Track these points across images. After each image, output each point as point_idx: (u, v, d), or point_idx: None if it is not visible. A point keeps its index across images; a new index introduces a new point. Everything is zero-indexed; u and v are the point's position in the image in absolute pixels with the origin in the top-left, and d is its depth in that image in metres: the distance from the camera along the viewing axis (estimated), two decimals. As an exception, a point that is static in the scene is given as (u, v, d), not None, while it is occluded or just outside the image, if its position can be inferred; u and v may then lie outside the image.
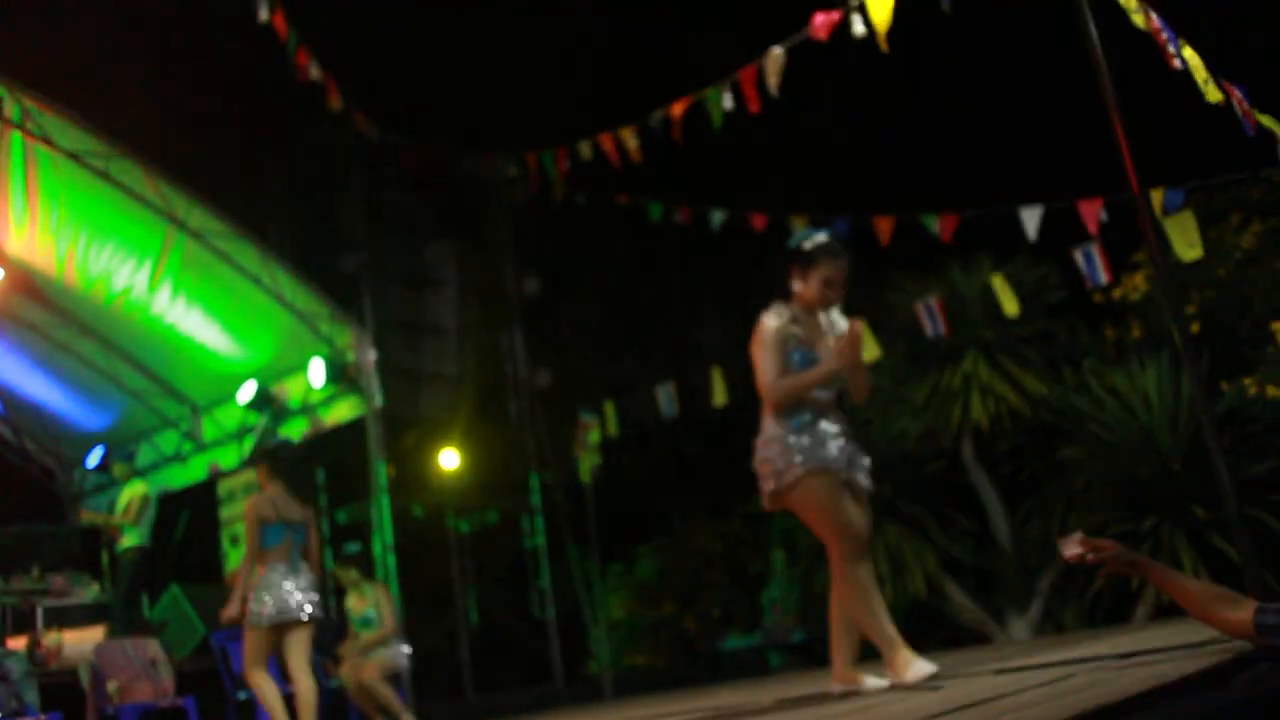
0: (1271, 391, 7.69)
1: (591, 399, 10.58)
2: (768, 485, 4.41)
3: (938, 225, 8.31)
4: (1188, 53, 5.50)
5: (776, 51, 7.93)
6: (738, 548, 10.60)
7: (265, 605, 5.86)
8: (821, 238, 4.55)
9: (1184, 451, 7.64)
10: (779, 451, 4.37)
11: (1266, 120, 5.47)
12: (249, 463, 7.75)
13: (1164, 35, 5.46)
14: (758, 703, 5.87)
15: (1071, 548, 2.92)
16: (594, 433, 10.22)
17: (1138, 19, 5.48)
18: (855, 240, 9.42)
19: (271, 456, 6.36)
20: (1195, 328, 8.11)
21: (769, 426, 4.43)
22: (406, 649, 8.00)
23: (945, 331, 8.73)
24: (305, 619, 5.93)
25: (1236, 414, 7.62)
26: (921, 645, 8.74)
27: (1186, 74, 5.45)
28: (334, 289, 10.06)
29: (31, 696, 6.70)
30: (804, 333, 4.46)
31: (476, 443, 11.29)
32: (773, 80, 7.97)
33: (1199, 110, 5.42)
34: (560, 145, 10.15)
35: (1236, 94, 5.39)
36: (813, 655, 9.36)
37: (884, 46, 6.90)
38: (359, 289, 10.39)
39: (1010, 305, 8.42)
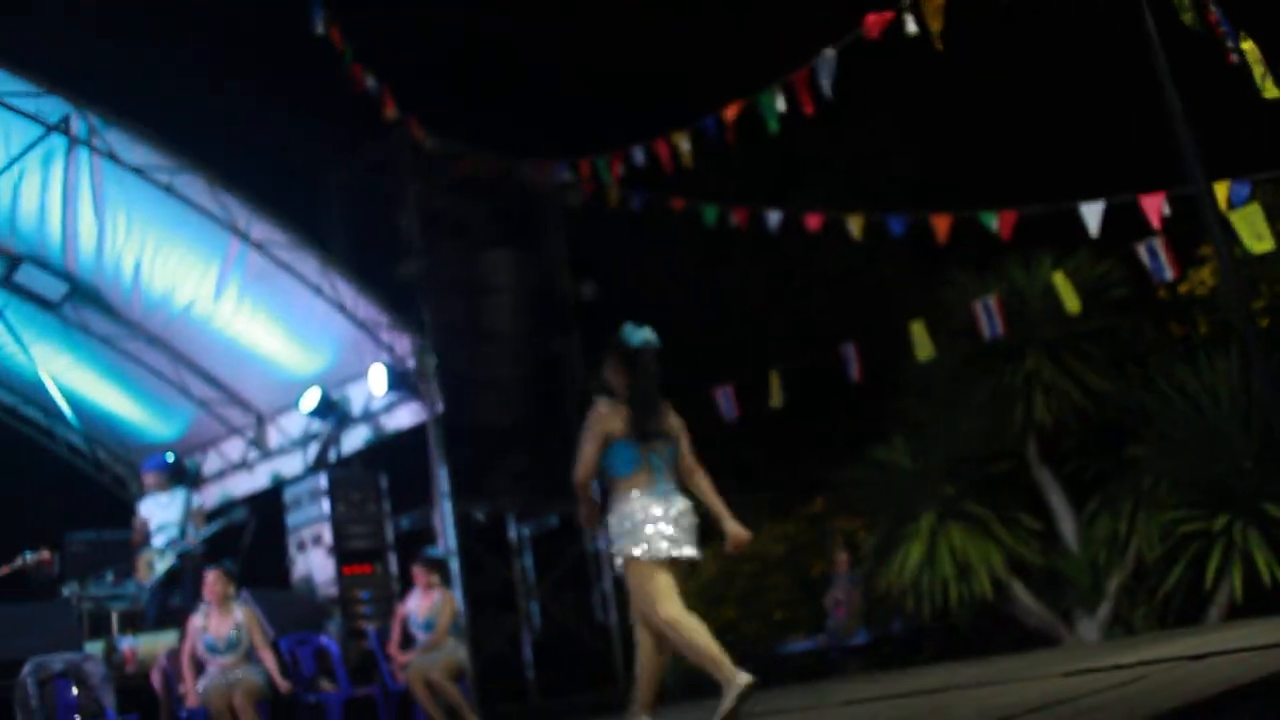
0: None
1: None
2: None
3: (996, 222, 8.23)
4: (1247, 46, 5.40)
5: (829, 53, 7.92)
6: (799, 550, 10.55)
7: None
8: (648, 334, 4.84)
9: (1256, 449, 7.48)
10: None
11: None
12: None
13: (1222, 29, 5.37)
14: (824, 703, 5.86)
15: None
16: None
17: (1187, 17, 5.39)
18: (912, 238, 9.38)
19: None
20: (1264, 322, 7.94)
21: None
22: (463, 653, 8.07)
23: (1003, 330, 8.64)
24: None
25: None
26: (988, 647, 8.68)
27: (1245, 68, 5.36)
28: (392, 297, 10.19)
29: (110, 699, 6.85)
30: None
31: (536, 447, 11.34)
32: (825, 81, 7.96)
33: (1266, 102, 5.33)
34: (614, 151, 10.19)
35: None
36: (877, 657, 9.30)
37: (938, 45, 6.85)
38: (417, 297, 10.50)
39: (1072, 302, 8.31)
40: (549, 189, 11.88)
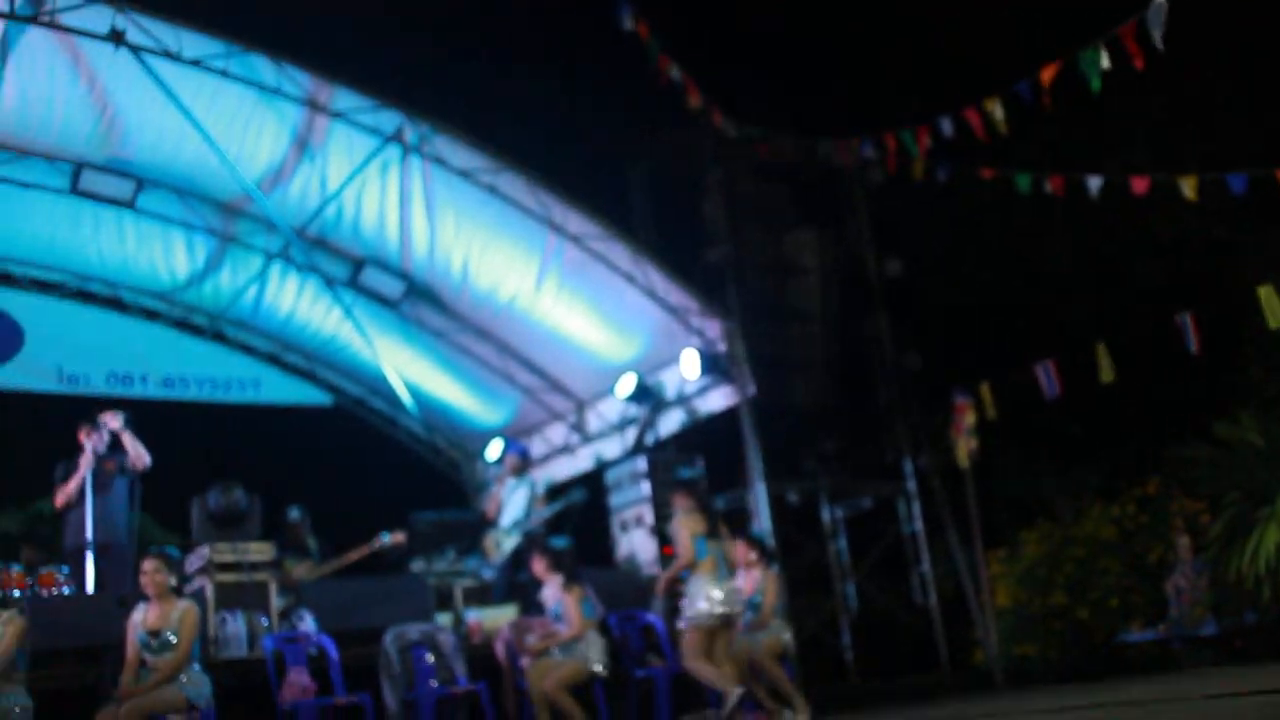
0: None
1: (965, 381, 10.26)
2: None
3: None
4: None
5: (1159, 1, 7.37)
6: (1133, 533, 9.92)
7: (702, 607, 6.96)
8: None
9: None
10: None
11: None
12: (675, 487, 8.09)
13: None
14: (1178, 696, 5.50)
15: None
16: (971, 415, 9.92)
17: None
18: (1252, 197, 8.61)
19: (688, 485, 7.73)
20: None
21: None
22: (788, 635, 8.10)
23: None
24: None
25: None
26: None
27: None
28: (701, 282, 10.37)
29: (461, 667, 7.37)
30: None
31: (847, 428, 11.26)
32: (1156, 33, 7.41)
33: None
34: (921, 123, 9.92)
35: None
36: (1229, 650, 8.62)
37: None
38: (724, 281, 10.63)
39: None
40: (851, 167, 11.72)
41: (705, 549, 6.91)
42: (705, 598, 6.87)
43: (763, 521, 9.78)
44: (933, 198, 11.76)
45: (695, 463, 10.20)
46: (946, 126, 9.60)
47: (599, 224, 9.76)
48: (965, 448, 9.96)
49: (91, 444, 7.94)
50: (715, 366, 9.91)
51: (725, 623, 6.95)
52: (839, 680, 10.34)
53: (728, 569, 7.05)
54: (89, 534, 8.01)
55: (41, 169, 9.46)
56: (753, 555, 7.99)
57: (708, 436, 10.59)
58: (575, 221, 9.72)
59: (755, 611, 7.89)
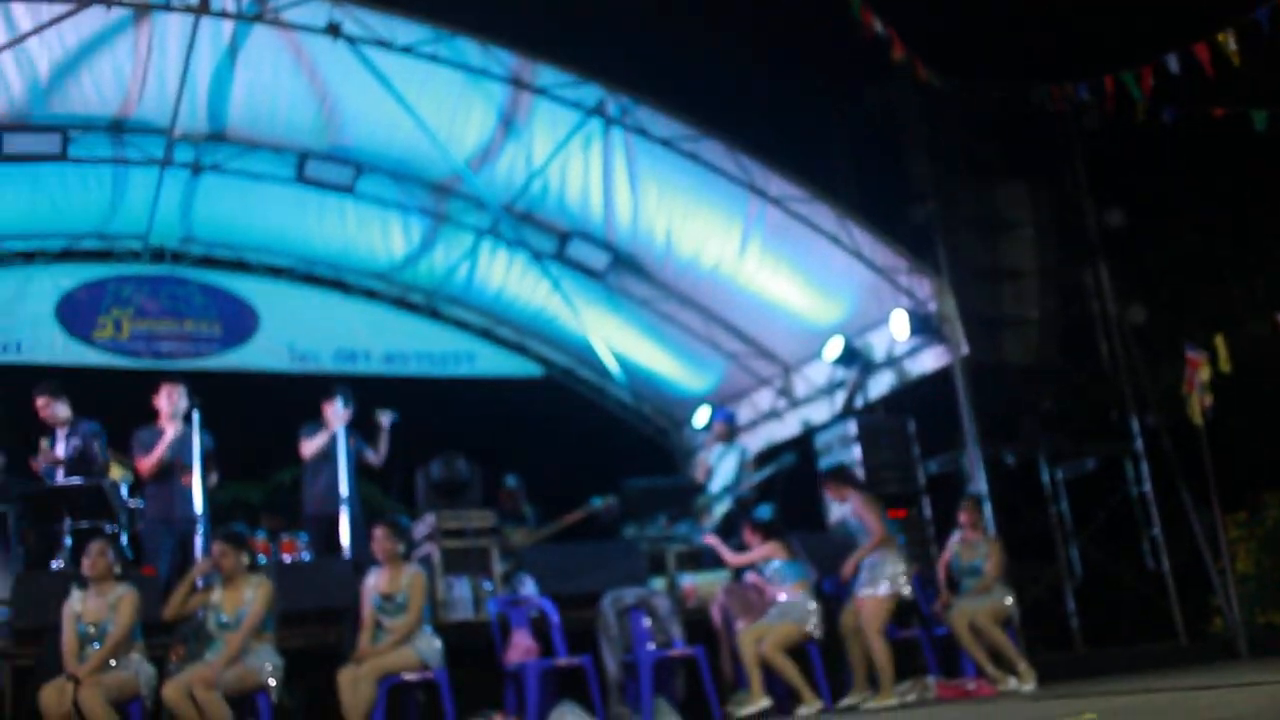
0: None
1: (1196, 333, 9.66)
2: None
3: None
4: None
5: None
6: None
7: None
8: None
9: None
10: None
11: None
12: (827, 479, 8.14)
13: None
14: None
15: None
16: (1205, 369, 9.33)
17: None
18: None
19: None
20: None
21: None
22: (1010, 599, 7.86)
23: None
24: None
25: None
26: None
27: None
28: (908, 241, 10.09)
29: (677, 631, 7.47)
30: None
31: (1066, 386, 10.77)
32: None
33: None
34: (1144, 63, 9.34)
35: None
36: None
37: None
38: (932, 238, 10.31)
39: None
40: (1064, 114, 11.15)
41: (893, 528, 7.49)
42: (893, 575, 7.39)
43: (979, 485, 9.49)
44: (1156, 140, 11.07)
45: (848, 453, 9.99)
46: (1173, 63, 9.00)
47: (801, 185, 9.62)
48: (1199, 404, 9.37)
49: (336, 419, 8.52)
50: (925, 326, 9.64)
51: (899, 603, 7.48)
52: (1064, 648, 9.95)
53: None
54: (325, 503, 8.54)
55: (269, 160, 10.03)
56: (977, 517, 7.85)
57: (919, 399, 10.34)
58: (777, 184, 9.62)
59: (977, 577, 7.72)
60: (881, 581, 7.39)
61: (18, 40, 7.89)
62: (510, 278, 11.52)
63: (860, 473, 9.48)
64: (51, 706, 5.80)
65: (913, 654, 7.89)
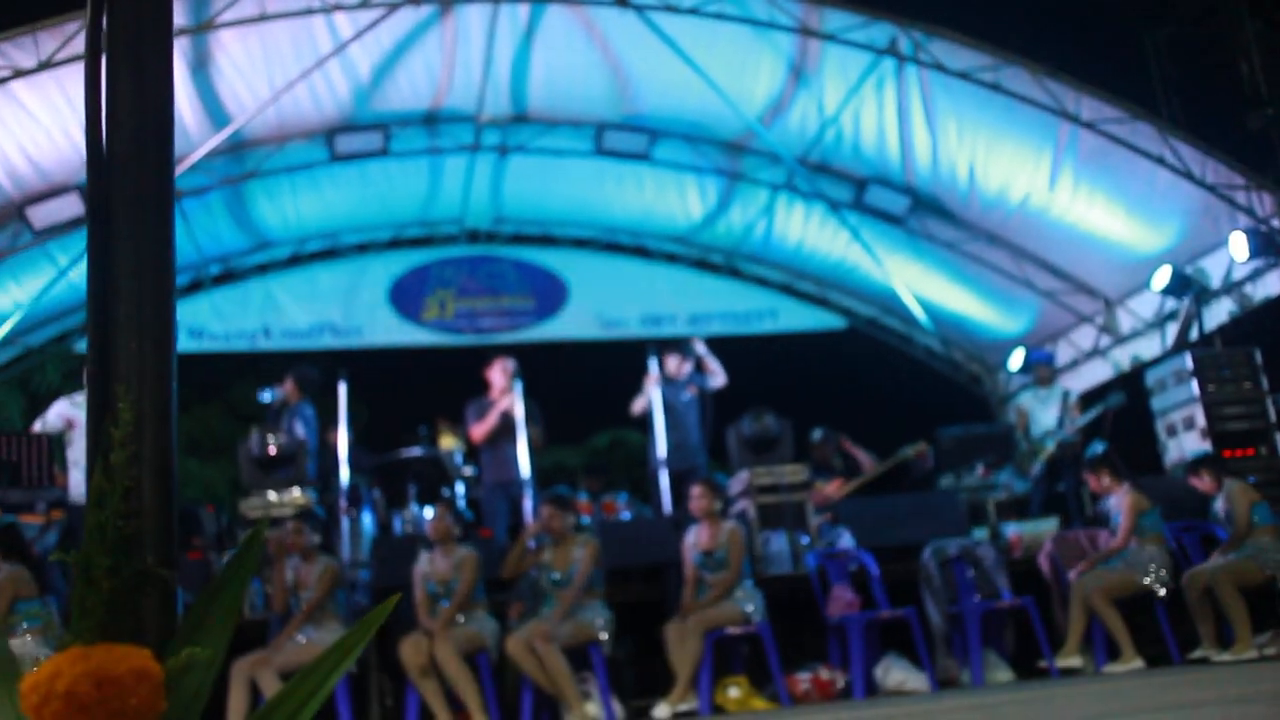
0: None
1: None
2: None
3: None
4: None
5: None
6: None
7: None
8: None
9: None
10: None
11: None
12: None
13: None
14: None
15: None
16: None
17: None
18: None
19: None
20: None
21: None
22: None
23: None
24: None
25: None
26: None
27: None
28: (1243, 153, 9.20)
29: (1003, 581, 7.21)
30: None
31: None
32: None
33: None
34: None
35: None
36: None
37: None
38: (1272, 149, 9.35)
39: None
40: None
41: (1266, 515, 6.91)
42: None
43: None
44: None
45: (1185, 389, 9.12)
46: None
47: (1117, 105, 8.94)
48: None
49: (674, 369, 8.96)
50: (1269, 246, 8.77)
51: None
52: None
53: None
54: (663, 457, 8.86)
55: (569, 135, 10.39)
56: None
57: (1265, 326, 9.43)
58: (1089, 107, 8.98)
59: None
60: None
61: (342, 47, 8.54)
62: (808, 231, 11.43)
63: (1199, 411, 8.76)
64: (410, 657, 6.34)
65: (1258, 608, 7.25)
